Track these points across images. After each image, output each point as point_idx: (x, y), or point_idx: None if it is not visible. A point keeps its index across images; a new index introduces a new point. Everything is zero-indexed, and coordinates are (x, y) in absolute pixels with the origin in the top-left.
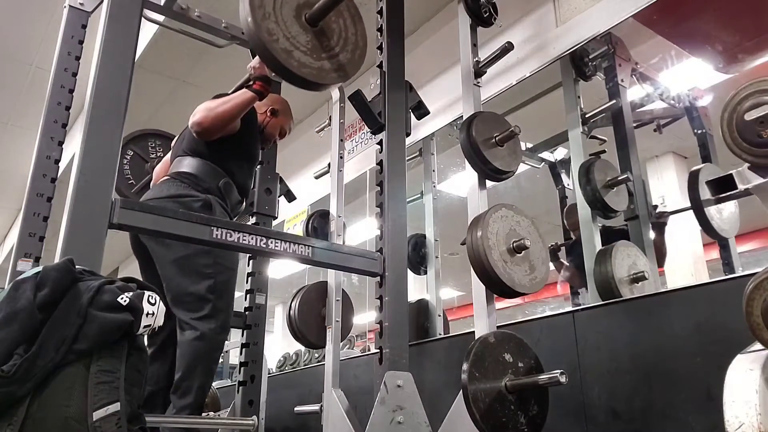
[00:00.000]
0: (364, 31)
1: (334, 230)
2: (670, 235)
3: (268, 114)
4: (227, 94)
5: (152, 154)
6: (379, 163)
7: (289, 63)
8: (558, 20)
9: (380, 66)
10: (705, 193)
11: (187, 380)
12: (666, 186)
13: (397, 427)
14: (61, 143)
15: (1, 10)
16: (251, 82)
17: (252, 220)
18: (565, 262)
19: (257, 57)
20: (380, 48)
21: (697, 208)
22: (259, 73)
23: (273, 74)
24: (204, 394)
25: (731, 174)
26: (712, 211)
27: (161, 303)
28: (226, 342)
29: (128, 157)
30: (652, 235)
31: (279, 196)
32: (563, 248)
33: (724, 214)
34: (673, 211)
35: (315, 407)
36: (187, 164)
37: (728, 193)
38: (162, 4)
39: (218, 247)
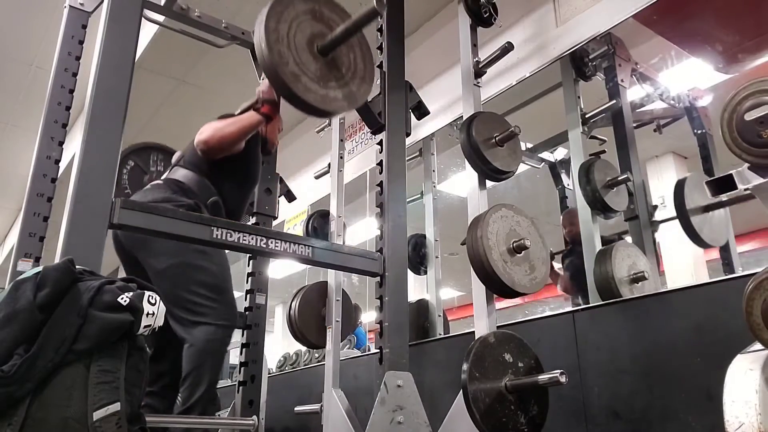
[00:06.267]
0: (372, 68)
1: (334, 230)
2: (669, 237)
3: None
4: (233, 115)
5: (152, 167)
6: (379, 163)
7: (296, 86)
8: (558, 20)
9: (380, 66)
10: (691, 201)
11: (197, 376)
12: (666, 186)
13: (397, 427)
14: (61, 143)
15: (1, 10)
16: (259, 105)
17: (252, 220)
18: (559, 271)
19: (266, 81)
20: (380, 48)
21: (684, 218)
22: (268, 97)
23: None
24: (214, 389)
25: (731, 174)
26: (700, 221)
27: (161, 303)
28: None
29: (128, 168)
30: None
31: (279, 196)
32: (557, 256)
33: (714, 221)
34: (663, 219)
35: (315, 407)
36: (182, 174)
37: (716, 201)
38: (162, 4)
39: (218, 247)
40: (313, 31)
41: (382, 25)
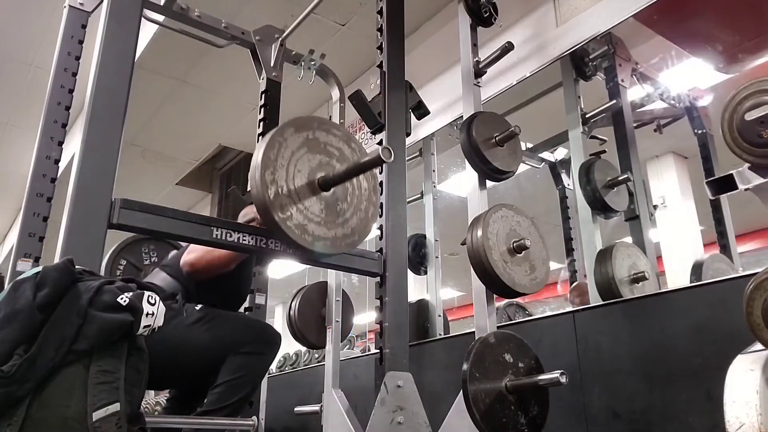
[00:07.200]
0: (376, 186)
1: None
2: (669, 237)
3: None
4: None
5: (146, 260)
6: None
7: (304, 240)
8: (558, 20)
9: (380, 66)
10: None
11: (235, 386)
12: (666, 186)
13: (397, 427)
14: (61, 143)
15: (1, 10)
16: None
17: None
18: None
19: None
20: (380, 48)
21: None
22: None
23: None
24: (242, 406)
25: (731, 174)
26: None
27: (161, 303)
28: None
29: (121, 268)
30: (651, 235)
31: None
32: None
33: None
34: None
35: (315, 407)
36: (161, 279)
37: None
38: (162, 4)
39: (218, 247)
40: (312, 166)
41: (382, 25)
